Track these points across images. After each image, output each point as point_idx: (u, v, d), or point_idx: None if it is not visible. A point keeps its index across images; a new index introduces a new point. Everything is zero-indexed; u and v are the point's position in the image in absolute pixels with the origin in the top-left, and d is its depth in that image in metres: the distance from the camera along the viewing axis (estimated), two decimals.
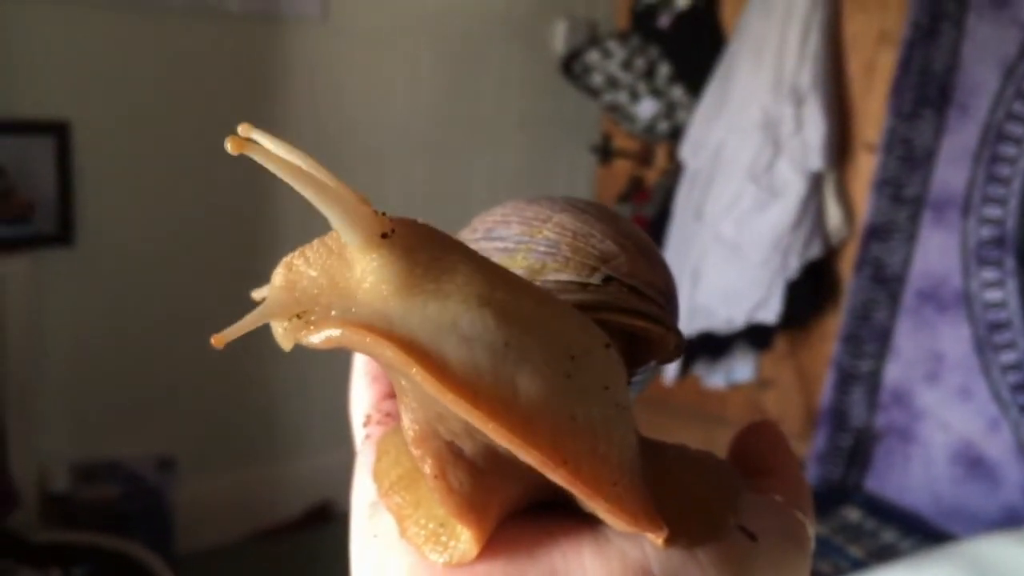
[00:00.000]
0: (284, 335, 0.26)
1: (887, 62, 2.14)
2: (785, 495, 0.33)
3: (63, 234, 2.05)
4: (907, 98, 2.05)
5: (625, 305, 0.32)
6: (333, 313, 0.26)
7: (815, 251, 2.20)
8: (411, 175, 2.53)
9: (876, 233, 2.11)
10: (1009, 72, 1.92)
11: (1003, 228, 1.95)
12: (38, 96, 1.99)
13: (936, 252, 2.05)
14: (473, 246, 0.34)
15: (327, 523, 2.50)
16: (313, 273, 0.27)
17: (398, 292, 0.26)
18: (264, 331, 0.28)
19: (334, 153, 2.37)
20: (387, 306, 0.26)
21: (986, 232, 1.97)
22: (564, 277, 0.32)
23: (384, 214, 0.27)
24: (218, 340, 0.26)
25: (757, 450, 0.35)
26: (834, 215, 2.21)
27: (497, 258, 0.33)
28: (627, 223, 0.36)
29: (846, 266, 2.25)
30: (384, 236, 0.26)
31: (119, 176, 2.11)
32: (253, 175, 2.33)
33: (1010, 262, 1.95)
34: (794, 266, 2.19)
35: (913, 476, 2.10)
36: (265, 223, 2.33)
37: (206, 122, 2.16)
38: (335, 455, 2.00)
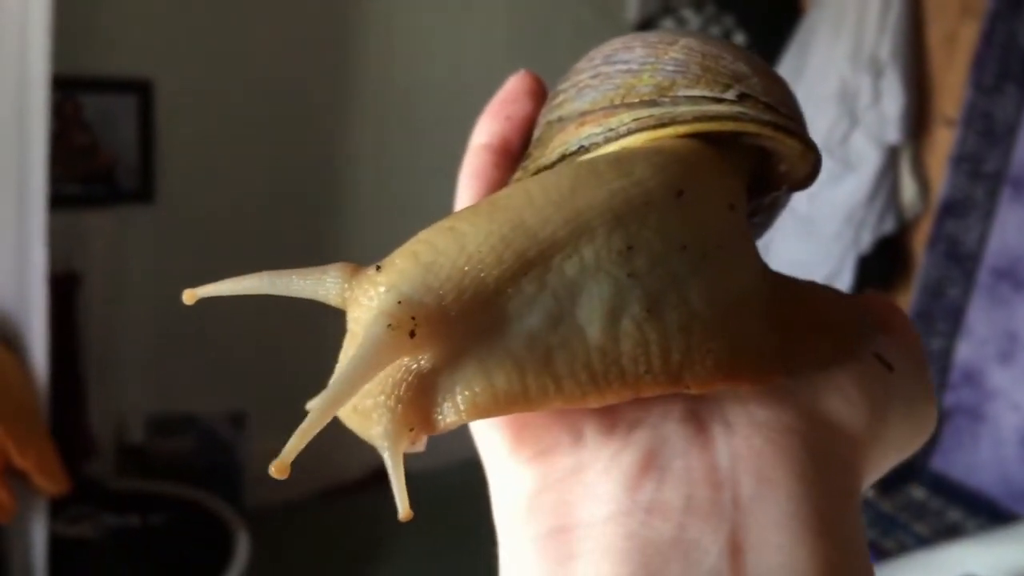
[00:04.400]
0: (417, 447, 0.26)
1: (969, 35, 2.09)
2: (910, 349, 0.32)
3: (144, 191, 2.10)
4: (989, 72, 2.00)
5: (765, 118, 0.30)
6: (437, 415, 0.26)
7: (888, 226, 2.17)
8: None
9: (952, 209, 2.08)
10: None
11: None
12: (122, 55, 2.04)
13: (1014, 229, 2.01)
14: (591, 72, 0.33)
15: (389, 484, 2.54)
16: (382, 398, 0.26)
17: (459, 352, 0.26)
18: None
19: (409, 115, 2.39)
20: (461, 365, 0.26)
21: None
22: (696, 92, 0.31)
23: (378, 268, 0.27)
24: (407, 515, 0.26)
25: (877, 310, 0.33)
26: (909, 190, 2.17)
27: (619, 80, 0.32)
28: (752, 52, 0.34)
29: (919, 242, 2.22)
30: (412, 335, 0.25)
31: (199, 135, 2.15)
32: (330, 137, 2.36)
33: None
34: (867, 241, 2.16)
35: (981, 456, 2.07)
36: (341, 180, 2.37)
37: (284, 83, 2.19)
38: None
